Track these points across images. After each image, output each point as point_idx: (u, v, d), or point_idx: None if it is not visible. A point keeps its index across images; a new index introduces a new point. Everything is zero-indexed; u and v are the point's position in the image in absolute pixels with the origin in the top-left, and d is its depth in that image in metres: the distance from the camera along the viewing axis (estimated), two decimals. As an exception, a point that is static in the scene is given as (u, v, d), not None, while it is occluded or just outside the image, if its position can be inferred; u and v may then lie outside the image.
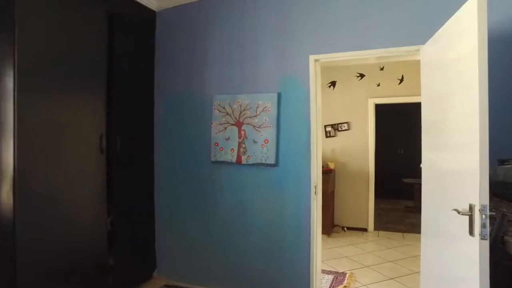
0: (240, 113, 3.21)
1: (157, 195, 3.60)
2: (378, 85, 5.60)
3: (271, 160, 3.06)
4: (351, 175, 5.71)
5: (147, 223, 3.52)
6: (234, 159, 3.21)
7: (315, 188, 2.95)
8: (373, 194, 5.66)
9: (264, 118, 3.10)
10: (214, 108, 3.32)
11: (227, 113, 3.26)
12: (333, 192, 5.72)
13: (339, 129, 5.78)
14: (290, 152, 3.04)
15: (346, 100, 5.77)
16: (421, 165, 2.88)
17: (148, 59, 3.55)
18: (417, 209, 7.20)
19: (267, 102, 3.09)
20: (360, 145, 5.66)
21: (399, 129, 8.52)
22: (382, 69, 5.57)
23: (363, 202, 5.66)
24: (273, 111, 3.07)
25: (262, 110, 3.11)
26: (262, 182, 3.12)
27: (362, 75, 5.69)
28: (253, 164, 3.14)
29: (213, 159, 3.31)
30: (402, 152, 8.49)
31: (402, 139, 8.50)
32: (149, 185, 3.56)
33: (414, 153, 9.16)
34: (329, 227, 5.46)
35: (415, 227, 5.88)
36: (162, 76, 3.57)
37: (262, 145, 3.10)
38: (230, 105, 3.25)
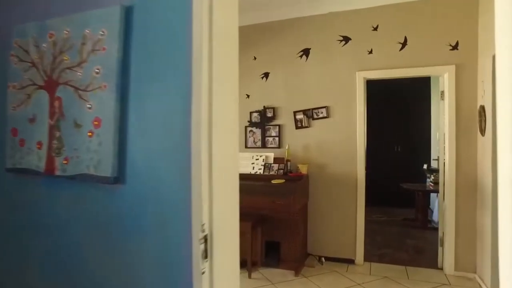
0: (55, 59, 1.39)
1: None
2: (370, 52, 3.80)
3: (106, 168, 1.24)
4: (331, 182, 3.91)
5: None
6: (42, 165, 1.40)
7: (206, 235, 1.14)
8: (362, 209, 3.87)
9: (94, 69, 1.28)
10: (12, 55, 1.50)
11: (32, 62, 1.45)
12: (305, 207, 3.94)
13: (315, 116, 3.98)
14: (152, 151, 1.23)
15: (324, 75, 3.97)
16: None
17: None
18: (420, 223, 5.44)
19: (100, 28, 1.27)
20: (345, 139, 3.86)
21: (397, 117, 6.73)
22: (375, 28, 3.77)
23: (349, 220, 3.87)
24: (112, 49, 1.25)
25: (92, 50, 1.29)
26: (90, 222, 1.31)
27: (347, 39, 3.89)
28: (73, 177, 1.32)
29: (9, 164, 1.50)
30: (399, 149, 6.72)
31: (401, 131, 6.71)
32: None
33: (415, 151, 7.43)
34: (299, 259, 3.68)
35: (421, 255, 4.10)
36: None
37: (90, 132, 1.29)
38: (37, 44, 1.43)
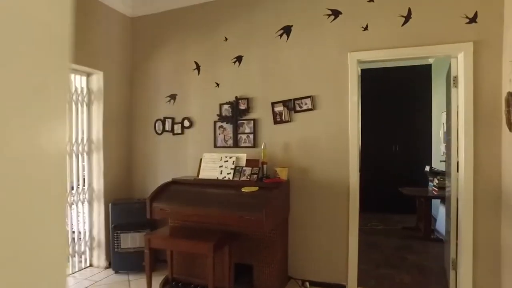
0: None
1: None
2: (365, 28, 3.02)
3: None
4: (318, 190, 3.13)
5: None
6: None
7: None
8: (356, 223, 3.09)
9: None
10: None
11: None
12: (285, 222, 3.15)
13: (297, 108, 3.20)
14: None
15: (308, 57, 3.19)
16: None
17: None
18: (422, 233, 4.68)
19: None
20: (334, 137, 3.08)
21: (394, 112, 5.97)
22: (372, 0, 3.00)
23: (339, 237, 3.09)
24: None
25: None
26: None
27: (336, 13, 3.11)
28: None
29: None
30: (397, 149, 5.96)
31: (398, 128, 5.96)
32: None
33: (415, 151, 6.12)
34: (277, 284, 2.89)
35: (427, 277, 3.33)
36: None
37: None
38: None
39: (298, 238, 3.20)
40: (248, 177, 3.04)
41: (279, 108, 3.23)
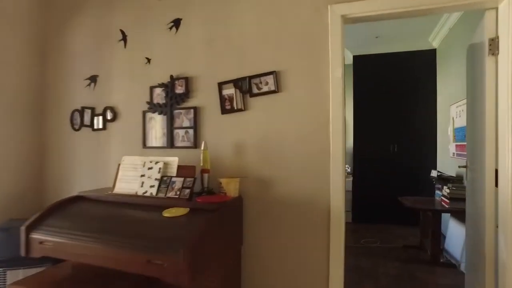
0: None
1: None
2: (354, -32, 1.97)
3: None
4: (286, 211, 2.07)
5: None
6: None
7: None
8: (340, 259, 2.03)
9: None
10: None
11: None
12: (235, 257, 2.09)
13: (255, 91, 2.14)
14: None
15: (271, 15, 2.13)
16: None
17: None
18: (430, 256, 3.63)
19: None
20: (308, 132, 2.02)
21: (393, 106, 4.93)
22: None
23: (316, 277, 2.03)
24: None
25: None
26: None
27: (311, -51, 2.05)
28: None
29: None
30: (396, 149, 4.92)
31: (398, 125, 4.91)
32: None
33: (418, 152, 4.76)
34: None
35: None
36: None
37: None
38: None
39: (256, 281, 2.14)
40: (178, 193, 1.98)
41: (229, 91, 2.17)
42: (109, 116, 2.57)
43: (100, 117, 2.60)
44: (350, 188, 5.05)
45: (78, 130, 2.70)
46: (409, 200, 3.85)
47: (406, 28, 4.43)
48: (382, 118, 4.94)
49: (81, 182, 2.66)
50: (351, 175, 5.19)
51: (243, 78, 2.13)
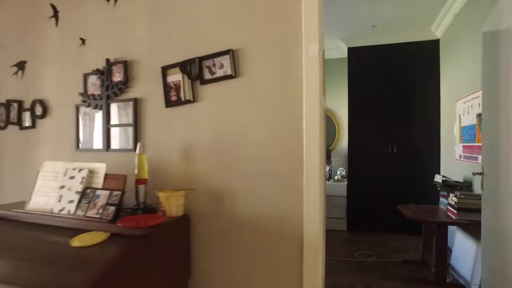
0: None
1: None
2: None
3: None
4: (247, 235, 1.55)
5: None
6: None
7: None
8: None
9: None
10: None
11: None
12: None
13: (207, 76, 1.60)
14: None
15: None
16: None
17: None
18: (434, 273, 3.10)
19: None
20: (275, 131, 1.50)
21: (391, 102, 4.41)
22: None
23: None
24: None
25: None
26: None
27: None
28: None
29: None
30: (395, 150, 4.39)
31: (398, 123, 4.39)
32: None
33: (419, 153, 4.07)
34: None
35: None
36: None
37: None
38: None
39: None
40: (100, 211, 1.46)
41: (175, 78, 1.66)
42: (38, 111, 2.06)
43: (28, 113, 2.09)
44: (345, 193, 4.54)
45: (3, 128, 2.19)
46: (410, 209, 3.32)
47: (406, 16, 3.91)
48: (380, 116, 4.41)
49: (5, 193, 2.14)
50: (345, 179, 4.67)
51: (192, 60, 1.61)
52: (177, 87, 1.64)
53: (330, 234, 4.32)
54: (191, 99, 1.62)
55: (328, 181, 4.72)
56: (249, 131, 1.53)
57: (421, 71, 4.32)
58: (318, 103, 1.39)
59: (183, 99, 1.63)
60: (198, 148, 1.62)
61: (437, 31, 4.26)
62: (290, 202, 1.44)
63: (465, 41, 3.38)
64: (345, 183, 4.56)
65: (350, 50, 4.63)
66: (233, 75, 1.54)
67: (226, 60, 1.55)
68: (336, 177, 4.72)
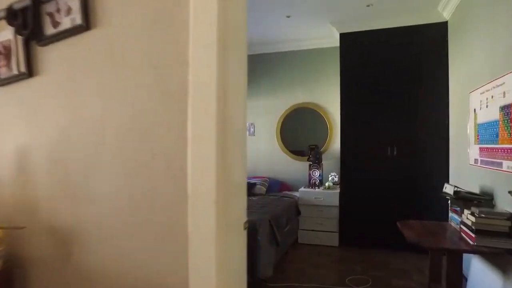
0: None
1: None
2: None
3: None
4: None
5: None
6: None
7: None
8: None
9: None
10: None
11: None
12: None
13: (50, 30, 0.92)
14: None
15: None
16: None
17: None
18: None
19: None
20: (149, 119, 0.81)
21: (391, 98, 3.67)
22: None
23: None
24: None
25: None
26: None
27: None
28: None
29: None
30: (395, 153, 3.64)
31: (399, 121, 3.64)
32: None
33: (425, 156, 3.58)
34: None
35: None
36: None
37: None
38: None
39: None
40: None
41: (3, 36, 0.98)
42: None
43: None
44: (337, 203, 3.81)
45: None
46: (413, 228, 2.57)
47: (407, -8, 3.19)
48: (377, 113, 3.68)
49: None
50: (338, 186, 3.95)
51: (26, 4, 0.93)
52: (7, 51, 0.96)
53: (320, 251, 3.60)
54: (26, 71, 0.93)
55: (319, 188, 4.01)
56: (108, 126, 0.84)
57: (426, 60, 3.58)
58: (215, 71, 0.70)
59: (16, 71, 0.95)
60: (38, 156, 0.93)
61: (444, 12, 3.51)
62: (166, 257, 0.75)
63: (479, 20, 2.65)
64: (337, 191, 3.84)
65: (343, 36, 3.92)
66: (85, 25, 0.85)
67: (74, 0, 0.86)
68: (327, 184, 4.00)
